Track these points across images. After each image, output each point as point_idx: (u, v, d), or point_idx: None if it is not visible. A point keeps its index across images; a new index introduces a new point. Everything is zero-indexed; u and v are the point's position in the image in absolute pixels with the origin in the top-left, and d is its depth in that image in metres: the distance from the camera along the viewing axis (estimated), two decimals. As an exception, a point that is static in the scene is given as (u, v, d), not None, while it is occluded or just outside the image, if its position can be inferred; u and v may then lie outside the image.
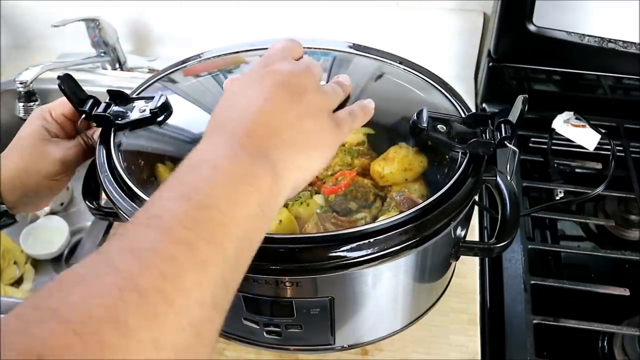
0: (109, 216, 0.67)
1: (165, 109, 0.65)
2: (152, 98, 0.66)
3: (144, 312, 0.31)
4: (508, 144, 0.59)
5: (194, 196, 0.37)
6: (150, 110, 0.64)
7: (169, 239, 0.35)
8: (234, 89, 0.48)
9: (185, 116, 0.68)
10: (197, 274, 0.34)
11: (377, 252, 0.53)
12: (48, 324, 0.29)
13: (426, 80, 0.71)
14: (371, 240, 0.53)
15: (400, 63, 0.73)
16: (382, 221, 0.55)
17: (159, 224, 0.35)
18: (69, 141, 0.67)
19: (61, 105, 0.67)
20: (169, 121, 0.66)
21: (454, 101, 0.68)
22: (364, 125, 0.66)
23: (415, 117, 0.62)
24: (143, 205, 0.38)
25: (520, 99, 0.58)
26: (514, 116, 0.59)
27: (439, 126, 0.61)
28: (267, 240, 0.54)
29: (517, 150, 0.61)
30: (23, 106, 1.02)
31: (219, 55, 0.76)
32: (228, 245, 0.37)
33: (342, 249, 0.53)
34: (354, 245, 0.53)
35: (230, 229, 0.37)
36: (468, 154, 0.60)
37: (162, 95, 0.66)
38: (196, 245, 0.35)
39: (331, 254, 0.53)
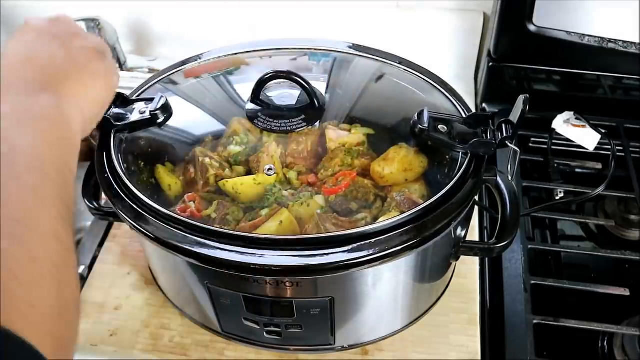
0: (109, 216, 0.68)
1: (165, 110, 0.66)
2: (152, 100, 0.66)
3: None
4: (509, 144, 0.59)
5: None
6: (150, 112, 0.64)
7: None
8: (8, 50, 0.52)
9: (185, 117, 0.68)
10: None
11: (377, 253, 0.53)
12: None
13: (426, 81, 0.71)
14: (372, 240, 0.53)
15: (400, 63, 0.73)
16: (383, 222, 0.55)
17: None
18: None
19: None
20: (169, 122, 0.66)
21: (454, 101, 0.68)
22: (363, 126, 0.66)
23: (416, 118, 0.62)
24: None
25: (521, 98, 0.58)
26: (515, 116, 0.59)
27: (440, 126, 0.62)
28: (268, 241, 0.54)
29: (518, 150, 0.61)
30: (23, 106, 1.02)
31: (219, 57, 0.76)
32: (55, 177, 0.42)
33: (342, 249, 0.53)
34: (354, 245, 0.53)
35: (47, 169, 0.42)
36: (469, 154, 0.60)
37: (162, 97, 0.66)
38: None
39: (332, 255, 0.53)
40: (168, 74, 0.74)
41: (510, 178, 0.63)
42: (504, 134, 0.59)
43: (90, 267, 0.90)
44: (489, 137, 0.61)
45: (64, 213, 0.41)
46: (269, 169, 0.63)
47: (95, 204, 0.68)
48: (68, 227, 0.41)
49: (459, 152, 0.61)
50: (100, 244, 0.98)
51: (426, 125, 0.60)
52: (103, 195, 0.64)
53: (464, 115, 0.65)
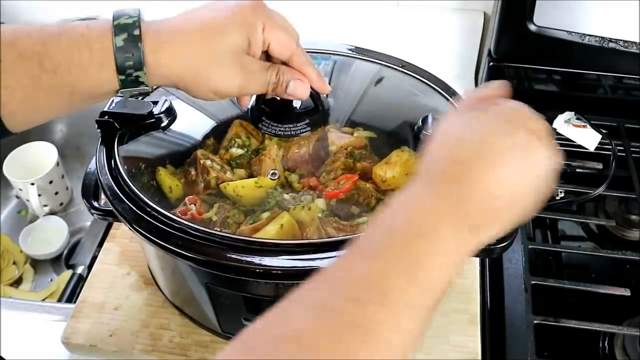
0: (109, 216, 0.67)
1: (170, 113, 0.65)
2: (156, 102, 0.65)
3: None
4: None
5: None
6: (155, 115, 0.64)
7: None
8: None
9: (187, 120, 0.68)
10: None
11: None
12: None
13: (428, 84, 0.70)
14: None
15: (402, 67, 0.73)
16: (384, 225, 0.54)
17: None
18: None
19: None
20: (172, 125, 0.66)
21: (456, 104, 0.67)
22: (366, 130, 0.66)
23: (420, 124, 0.62)
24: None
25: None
26: None
27: None
28: (268, 245, 0.54)
29: None
30: (23, 106, 1.02)
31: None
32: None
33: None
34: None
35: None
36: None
37: (166, 100, 0.66)
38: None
39: (333, 259, 0.52)
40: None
41: None
42: None
43: (90, 267, 0.90)
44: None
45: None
46: (272, 174, 0.63)
47: (95, 204, 0.68)
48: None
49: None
50: (100, 244, 0.98)
51: (431, 131, 0.60)
52: (103, 195, 0.63)
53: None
